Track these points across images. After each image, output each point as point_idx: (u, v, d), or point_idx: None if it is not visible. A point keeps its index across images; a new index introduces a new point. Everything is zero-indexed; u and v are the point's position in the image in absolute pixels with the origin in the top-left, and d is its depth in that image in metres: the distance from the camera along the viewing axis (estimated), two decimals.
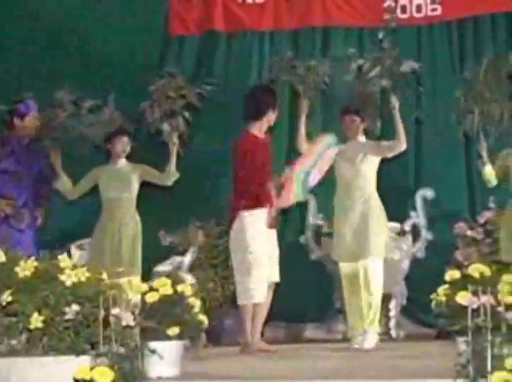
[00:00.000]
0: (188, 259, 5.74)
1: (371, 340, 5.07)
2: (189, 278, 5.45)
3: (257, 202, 4.99)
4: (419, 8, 6.32)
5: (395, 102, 5.25)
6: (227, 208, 5.22)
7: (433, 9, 6.31)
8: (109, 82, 6.07)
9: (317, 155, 5.32)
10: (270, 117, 5.17)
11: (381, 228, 5.23)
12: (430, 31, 6.32)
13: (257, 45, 6.45)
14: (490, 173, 5.14)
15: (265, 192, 5.03)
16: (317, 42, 6.39)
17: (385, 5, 6.35)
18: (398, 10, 6.33)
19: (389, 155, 5.35)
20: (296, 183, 5.22)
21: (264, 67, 6.38)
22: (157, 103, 5.58)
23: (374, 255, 5.16)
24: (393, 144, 5.26)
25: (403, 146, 5.29)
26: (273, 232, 5.15)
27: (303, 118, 5.45)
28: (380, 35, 5.42)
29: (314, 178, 5.32)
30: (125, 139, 5.52)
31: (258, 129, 5.15)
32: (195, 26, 6.56)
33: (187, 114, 5.60)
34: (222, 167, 6.28)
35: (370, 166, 5.31)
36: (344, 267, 5.22)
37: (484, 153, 5.11)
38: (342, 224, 5.26)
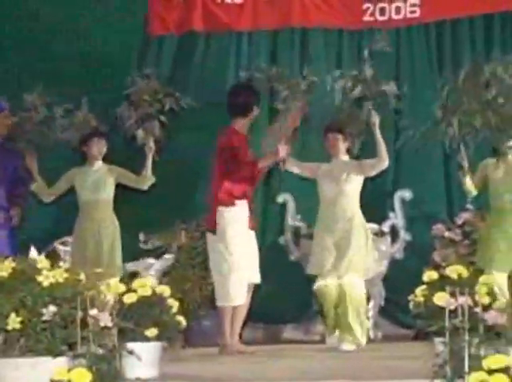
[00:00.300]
0: (160, 263, 5.72)
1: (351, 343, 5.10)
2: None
3: (239, 198, 5.01)
4: (398, 10, 6.34)
5: (375, 119, 5.29)
6: (208, 206, 5.20)
7: (412, 12, 6.33)
8: (87, 84, 6.04)
9: None
10: (255, 114, 5.20)
11: (362, 248, 5.27)
12: (409, 33, 6.34)
13: (235, 46, 6.44)
14: (470, 184, 5.18)
15: (250, 189, 5.07)
16: (296, 43, 6.38)
17: (365, 6, 6.37)
18: (377, 12, 6.36)
19: (372, 174, 5.39)
20: None
21: (242, 67, 6.37)
22: (132, 106, 5.58)
23: (354, 273, 5.19)
24: (375, 162, 5.30)
25: (385, 164, 5.33)
26: (253, 233, 5.15)
27: (288, 135, 5.42)
28: (365, 53, 5.46)
29: None
30: (101, 141, 5.50)
31: (243, 125, 5.17)
32: (175, 27, 6.54)
33: (162, 117, 5.60)
34: (202, 168, 6.28)
35: (353, 185, 5.34)
36: (324, 283, 5.22)
37: (464, 164, 5.13)
38: (324, 241, 5.29)
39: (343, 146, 5.39)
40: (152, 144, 5.52)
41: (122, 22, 6.37)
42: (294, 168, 5.54)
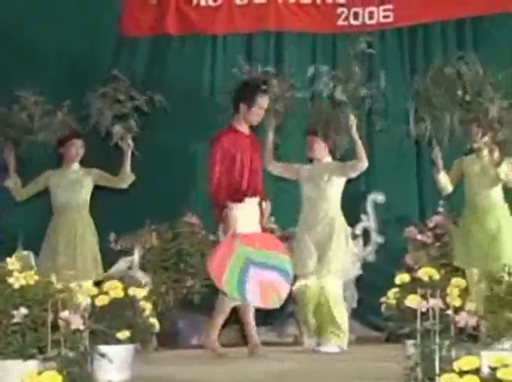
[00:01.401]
0: (136, 257, 5.69)
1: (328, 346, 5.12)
2: (141, 275, 5.41)
3: (243, 194, 4.99)
4: (371, 15, 6.37)
5: (353, 121, 5.32)
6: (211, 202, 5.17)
7: (385, 16, 6.37)
8: (64, 84, 6.01)
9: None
10: (246, 112, 5.06)
11: (342, 249, 5.29)
12: (382, 38, 6.38)
13: (210, 49, 6.44)
14: (444, 180, 5.21)
15: (254, 183, 5.05)
16: (271, 47, 6.39)
17: (339, 11, 6.40)
18: (351, 17, 6.39)
19: (353, 175, 5.40)
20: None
21: (216, 71, 6.37)
22: (106, 106, 5.57)
23: (334, 274, 5.21)
24: (354, 164, 5.31)
25: (365, 165, 5.34)
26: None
27: (270, 136, 5.48)
28: (351, 52, 5.49)
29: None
30: (78, 143, 5.49)
31: (238, 122, 5.11)
32: (149, 28, 6.51)
33: (136, 115, 5.59)
34: (173, 169, 6.27)
35: (335, 187, 5.36)
36: (305, 284, 5.23)
37: (439, 161, 5.17)
38: (305, 242, 5.30)
39: (322, 148, 5.40)
40: (130, 142, 5.53)
41: (96, 22, 6.33)
42: (276, 169, 5.54)
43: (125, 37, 6.47)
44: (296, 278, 5.25)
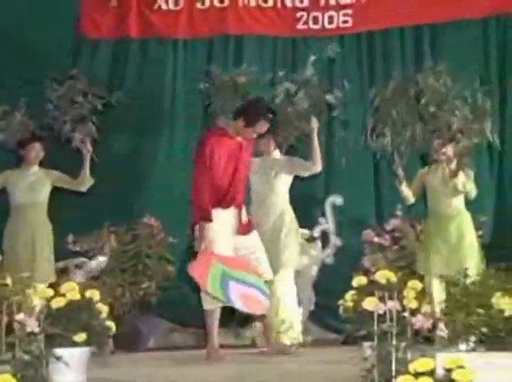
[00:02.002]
0: (95, 263, 5.65)
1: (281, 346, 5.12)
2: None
3: (222, 202, 4.88)
4: (331, 19, 6.41)
5: (315, 124, 5.37)
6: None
7: (344, 21, 6.41)
8: (22, 84, 5.94)
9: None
10: (240, 127, 4.90)
11: (292, 242, 5.33)
12: (341, 43, 6.41)
13: (171, 52, 6.41)
14: (407, 191, 5.26)
15: (231, 194, 4.90)
16: (230, 51, 6.39)
17: (299, 15, 6.43)
18: (310, 21, 6.43)
19: (303, 174, 5.43)
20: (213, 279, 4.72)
21: (178, 75, 6.36)
22: (63, 108, 5.56)
23: (285, 269, 5.24)
24: (308, 165, 5.37)
25: (318, 169, 5.42)
26: (250, 235, 5.01)
27: None
28: (312, 58, 5.55)
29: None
30: (38, 145, 5.48)
31: (230, 128, 4.97)
32: (109, 31, 6.45)
33: (94, 118, 5.57)
34: (133, 170, 6.23)
35: (283, 182, 5.40)
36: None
37: (400, 172, 5.22)
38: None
39: (267, 142, 5.44)
40: (89, 145, 5.53)
41: (56, 23, 6.26)
42: None
43: (85, 38, 6.42)
44: None
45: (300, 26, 6.41)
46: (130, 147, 6.29)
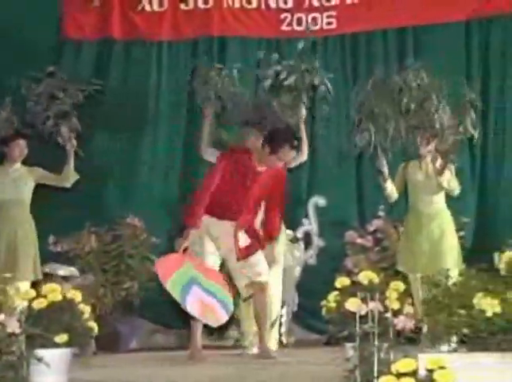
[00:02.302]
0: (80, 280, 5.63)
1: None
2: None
3: (216, 211, 4.82)
4: (315, 21, 6.42)
5: (303, 114, 5.37)
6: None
7: (328, 23, 6.42)
8: (6, 81, 5.90)
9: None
10: (266, 154, 4.79)
11: (281, 238, 5.28)
12: (325, 44, 6.43)
13: (155, 54, 6.40)
14: (391, 188, 5.27)
15: (229, 205, 4.80)
16: (214, 52, 6.39)
17: (283, 16, 6.43)
18: (294, 23, 6.44)
19: (292, 165, 5.43)
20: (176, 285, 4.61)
21: (162, 76, 6.34)
22: (44, 104, 5.53)
23: (274, 266, 5.19)
24: (295, 156, 5.34)
25: (304, 157, 5.43)
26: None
27: (207, 125, 5.51)
28: (300, 45, 5.53)
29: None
30: (22, 143, 5.43)
31: (255, 151, 4.89)
32: (92, 31, 6.43)
33: (76, 113, 5.55)
34: (114, 170, 6.22)
35: None
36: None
37: (384, 169, 5.22)
38: None
39: (256, 139, 5.41)
40: (74, 141, 5.50)
41: (40, 22, 6.23)
42: (212, 157, 5.52)
43: (68, 38, 6.39)
44: None
45: (284, 28, 6.43)
46: (113, 147, 6.27)
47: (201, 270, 4.72)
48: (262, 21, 6.47)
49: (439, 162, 5.13)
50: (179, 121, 6.32)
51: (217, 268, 4.88)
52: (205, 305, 4.62)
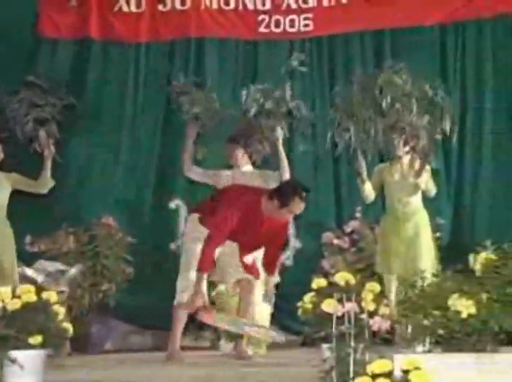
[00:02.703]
0: (73, 271, 5.58)
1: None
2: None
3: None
4: (292, 23, 6.43)
5: (280, 135, 5.39)
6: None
7: (306, 25, 6.43)
8: None
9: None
10: (275, 208, 4.75)
11: None
12: (302, 46, 6.44)
13: (133, 55, 6.37)
14: (369, 189, 5.28)
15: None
16: (192, 54, 6.37)
17: (260, 18, 6.44)
18: (272, 24, 6.44)
19: (274, 186, 5.41)
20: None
21: (139, 78, 6.32)
22: (24, 110, 5.52)
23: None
24: (277, 176, 5.35)
25: (287, 175, 5.39)
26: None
27: (190, 143, 5.53)
28: (283, 70, 5.59)
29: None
30: None
31: (266, 206, 4.80)
32: (69, 31, 6.39)
33: (56, 119, 5.55)
34: (91, 172, 6.18)
35: None
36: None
37: (363, 171, 5.23)
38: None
39: (241, 156, 5.42)
40: (52, 147, 5.49)
41: (15, 21, 6.18)
42: (195, 175, 5.56)
43: (44, 38, 6.34)
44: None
45: (261, 29, 6.43)
46: (90, 147, 6.24)
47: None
48: (240, 23, 6.47)
49: (417, 164, 5.15)
50: (156, 122, 6.30)
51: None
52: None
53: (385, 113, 5.00)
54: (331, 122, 5.26)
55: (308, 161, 6.30)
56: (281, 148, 5.41)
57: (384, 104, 4.98)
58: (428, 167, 5.18)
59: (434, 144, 5.19)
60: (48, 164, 5.46)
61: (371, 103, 5.06)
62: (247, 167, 5.46)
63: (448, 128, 5.12)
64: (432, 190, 5.23)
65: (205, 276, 4.69)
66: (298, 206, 4.78)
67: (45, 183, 5.46)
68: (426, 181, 5.15)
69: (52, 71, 6.14)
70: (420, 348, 3.19)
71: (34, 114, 5.51)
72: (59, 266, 5.56)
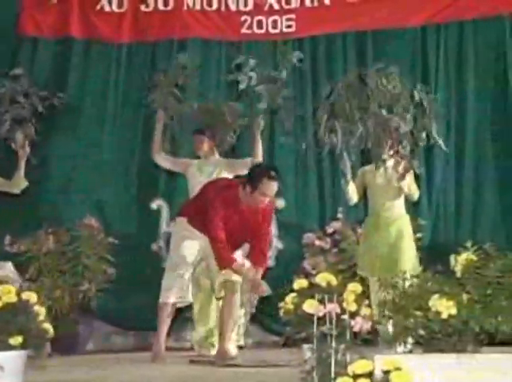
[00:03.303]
0: None
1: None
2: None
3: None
4: (275, 23, 6.44)
5: (261, 123, 5.47)
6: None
7: (288, 26, 6.44)
8: None
9: None
10: (248, 194, 4.76)
11: None
12: (285, 47, 6.43)
13: (114, 55, 6.35)
14: (352, 191, 5.28)
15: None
16: (174, 55, 6.36)
17: (243, 19, 6.43)
18: (255, 25, 6.44)
19: (244, 172, 5.42)
20: None
21: (121, 78, 6.30)
22: (3, 107, 5.49)
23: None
24: (248, 161, 5.38)
25: (259, 159, 5.45)
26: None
27: (159, 129, 5.60)
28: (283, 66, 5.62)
29: None
30: None
31: (241, 195, 4.82)
32: (50, 30, 6.36)
33: (34, 119, 5.54)
34: (72, 172, 6.16)
35: None
36: (204, 280, 5.22)
37: (348, 172, 5.23)
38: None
39: (207, 146, 5.51)
40: (27, 147, 5.46)
41: None
42: (164, 162, 5.63)
43: (24, 36, 6.30)
44: None
45: (244, 30, 6.44)
46: (71, 147, 6.21)
47: None
48: (223, 24, 6.47)
49: (402, 167, 5.16)
50: (137, 121, 6.29)
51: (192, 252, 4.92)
52: None
53: (371, 115, 5.01)
54: (315, 123, 5.27)
55: (291, 159, 6.31)
56: (258, 135, 5.46)
57: (371, 106, 4.99)
58: (411, 171, 5.19)
59: (418, 146, 5.21)
60: (22, 164, 5.44)
61: (360, 104, 5.07)
62: (215, 156, 5.55)
63: (433, 130, 5.12)
64: (415, 194, 5.24)
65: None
66: (268, 186, 4.70)
67: (18, 183, 5.44)
68: (409, 185, 5.17)
69: (34, 70, 6.11)
70: (401, 349, 3.20)
71: (13, 111, 5.46)
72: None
